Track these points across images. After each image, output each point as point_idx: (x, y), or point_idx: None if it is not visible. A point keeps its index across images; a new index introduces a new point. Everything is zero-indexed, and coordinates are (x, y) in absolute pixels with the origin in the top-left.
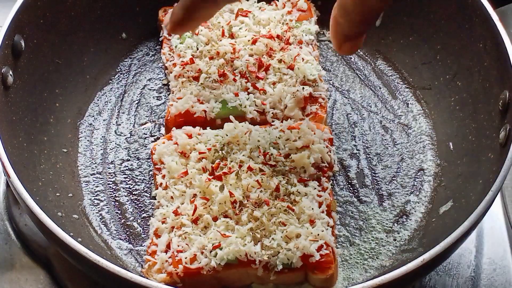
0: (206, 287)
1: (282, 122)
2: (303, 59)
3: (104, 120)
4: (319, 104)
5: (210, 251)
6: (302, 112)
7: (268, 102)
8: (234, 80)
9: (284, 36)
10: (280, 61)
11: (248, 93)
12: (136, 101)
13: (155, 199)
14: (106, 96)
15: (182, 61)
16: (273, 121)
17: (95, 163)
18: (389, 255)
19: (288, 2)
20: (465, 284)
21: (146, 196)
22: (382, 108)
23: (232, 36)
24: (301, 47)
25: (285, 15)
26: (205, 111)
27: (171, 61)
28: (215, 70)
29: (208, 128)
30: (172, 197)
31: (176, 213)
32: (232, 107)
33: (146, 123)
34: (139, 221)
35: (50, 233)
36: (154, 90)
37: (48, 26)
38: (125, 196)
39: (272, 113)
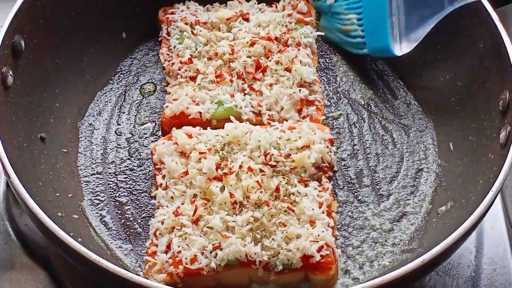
0: (206, 287)
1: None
2: (300, 61)
3: (104, 120)
4: (316, 107)
5: (210, 252)
6: (299, 114)
7: (265, 103)
8: (231, 81)
9: (283, 38)
10: (277, 62)
11: (244, 94)
12: (136, 101)
13: (155, 199)
14: (106, 96)
15: (180, 61)
16: (269, 123)
17: (95, 163)
18: (389, 255)
19: (288, 4)
20: (465, 284)
21: (146, 196)
22: (382, 108)
23: (229, 30)
24: (299, 49)
25: (285, 17)
26: (200, 113)
27: (169, 61)
28: (212, 70)
29: (208, 128)
30: (172, 197)
31: (176, 213)
32: (227, 108)
33: (146, 123)
34: (139, 221)
35: (50, 233)
36: (154, 90)
37: (48, 26)
38: (125, 196)
39: (268, 114)
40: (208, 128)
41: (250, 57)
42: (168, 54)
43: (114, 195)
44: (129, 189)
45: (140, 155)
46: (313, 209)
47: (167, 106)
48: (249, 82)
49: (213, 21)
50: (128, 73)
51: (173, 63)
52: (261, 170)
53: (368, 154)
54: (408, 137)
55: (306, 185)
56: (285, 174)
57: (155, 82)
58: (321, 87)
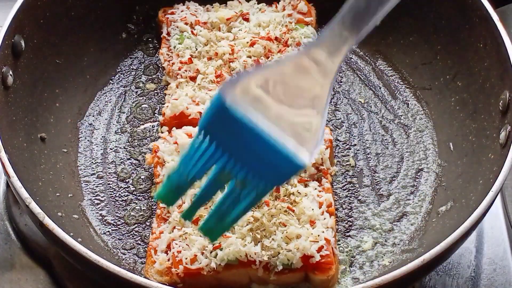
0: (206, 287)
1: None
2: None
3: (104, 120)
4: None
5: (211, 252)
6: None
7: None
8: None
9: (283, 38)
10: None
11: None
12: (136, 101)
13: (155, 199)
14: (106, 96)
15: (180, 61)
16: None
17: (95, 163)
18: (389, 255)
19: (289, 4)
20: (465, 284)
21: (146, 196)
22: (382, 108)
23: (229, 30)
24: (299, 50)
25: (285, 17)
26: (200, 113)
27: (169, 61)
28: (212, 70)
29: None
30: None
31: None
32: None
33: (146, 123)
34: (139, 221)
35: (50, 233)
36: (154, 90)
37: (48, 26)
38: (125, 196)
39: None
40: None
41: (250, 57)
42: (168, 54)
43: (114, 195)
44: (129, 189)
45: (140, 155)
46: (313, 209)
47: (167, 106)
48: None
49: (213, 21)
50: (128, 73)
51: (173, 63)
52: None
53: (368, 154)
54: (408, 137)
55: (306, 185)
56: None
57: (155, 82)
58: None
